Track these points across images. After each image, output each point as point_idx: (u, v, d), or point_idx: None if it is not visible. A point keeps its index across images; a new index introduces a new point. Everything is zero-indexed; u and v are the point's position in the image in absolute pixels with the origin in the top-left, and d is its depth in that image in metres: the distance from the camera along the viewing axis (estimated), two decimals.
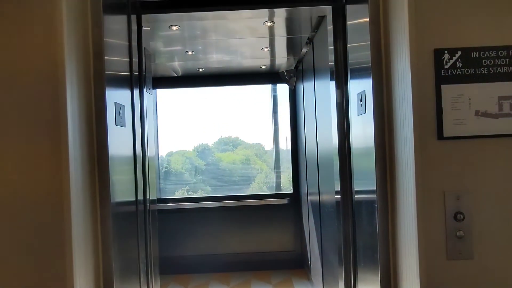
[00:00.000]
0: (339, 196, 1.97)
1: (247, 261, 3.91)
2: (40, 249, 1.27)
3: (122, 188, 1.64)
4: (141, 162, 1.86)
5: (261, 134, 4.47)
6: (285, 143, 4.28)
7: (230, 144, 4.59)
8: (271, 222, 3.96)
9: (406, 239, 1.35)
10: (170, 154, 4.47)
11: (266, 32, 2.68)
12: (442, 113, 1.30)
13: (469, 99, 1.30)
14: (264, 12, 2.18)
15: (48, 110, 1.27)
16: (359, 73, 1.68)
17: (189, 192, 4.35)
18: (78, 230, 1.32)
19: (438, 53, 1.30)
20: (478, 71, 1.30)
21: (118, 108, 1.58)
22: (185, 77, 3.97)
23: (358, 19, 1.66)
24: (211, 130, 4.46)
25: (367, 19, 1.52)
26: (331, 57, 2.01)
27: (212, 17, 2.22)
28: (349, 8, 1.81)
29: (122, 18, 1.73)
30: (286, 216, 3.98)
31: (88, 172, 1.42)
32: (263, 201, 3.95)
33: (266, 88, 4.31)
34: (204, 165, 4.49)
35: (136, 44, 1.85)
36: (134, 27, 1.83)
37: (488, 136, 1.30)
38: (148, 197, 1.96)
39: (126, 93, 1.72)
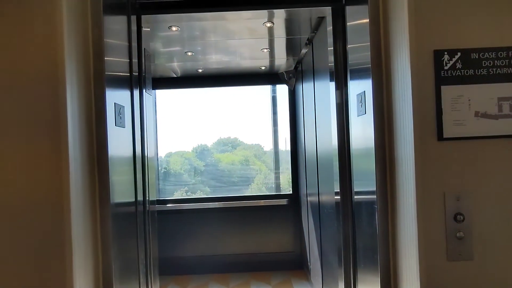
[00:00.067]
0: (339, 197, 1.97)
1: (246, 262, 3.91)
2: (39, 249, 1.27)
3: (121, 189, 1.64)
4: (140, 163, 1.86)
5: (260, 135, 4.47)
6: (284, 144, 4.28)
7: (229, 144, 4.59)
8: (271, 223, 3.96)
9: (406, 240, 1.35)
10: (169, 155, 4.46)
11: (265, 33, 2.68)
12: (442, 114, 1.30)
13: (469, 100, 1.30)
14: (264, 13, 2.18)
15: (48, 111, 1.27)
16: (359, 74, 1.68)
17: (188, 193, 4.35)
18: (78, 231, 1.32)
19: (438, 54, 1.30)
20: (478, 72, 1.31)
21: (118, 108, 1.58)
22: (184, 78, 3.97)
23: (358, 20, 1.66)
24: (210, 130, 4.45)
25: (367, 20, 1.52)
26: (331, 58, 2.01)
27: (212, 17, 2.22)
28: (349, 9, 1.82)
29: (122, 19, 1.73)
30: (286, 217, 3.97)
31: (87, 173, 1.42)
32: (262, 202, 3.95)
33: (266, 89, 4.31)
34: (203, 166, 4.48)
35: (136, 44, 1.85)
36: (134, 27, 1.83)
37: (488, 137, 1.30)
38: (147, 198, 1.96)
39: (126, 93, 1.71)
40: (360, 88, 1.64)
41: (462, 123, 1.30)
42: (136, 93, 1.83)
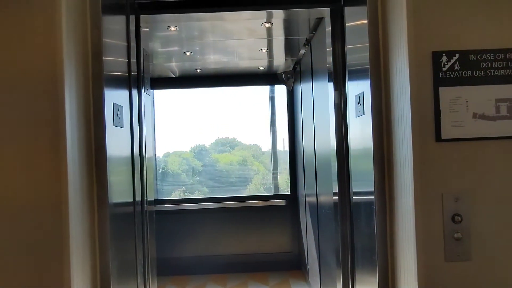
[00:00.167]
0: (337, 198, 1.97)
1: (244, 263, 3.91)
2: (37, 250, 1.27)
3: (119, 189, 1.63)
4: (138, 163, 1.85)
5: (259, 135, 4.47)
6: (283, 144, 4.28)
7: (227, 145, 4.58)
8: (269, 224, 3.96)
9: (404, 240, 1.36)
10: (167, 155, 4.45)
11: (264, 33, 2.68)
12: (440, 115, 1.30)
13: (467, 101, 1.31)
14: (262, 13, 2.18)
15: (47, 110, 1.26)
16: (358, 74, 1.69)
17: (186, 193, 4.34)
18: (76, 231, 1.31)
19: (436, 56, 1.31)
20: (476, 74, 1.31)
21: (117, 108, 1.58)
22: (182, 78, 3.96)
23: (356, 21, 1.67)
24: (208, 131, 4.45)
25: (365, 21, 1.52)
26: (329, 59, 2.01)
27: (210, 18, 2.22)
28: (348, 10, 1.82)
29: (121, 19, 1.72)
30: (284, 217, 3.98)
31: (86, 173, 1.42)
32: (260, 202, 3.95)
33: (264, 89, 4.31)
34: (201, 166, 4.48)
35: (135, 44, 1.85)
36: (132, 27, 1.83)
37: (486, 138, 1.30)
38: (145, 198, 1.96)
39: (124, 93, 1.71)
40: (359, 89, 1.65)
41: (460, 124, 1.30)
42: (135, 93, 1.83)
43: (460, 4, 1.31)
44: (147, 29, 2.25)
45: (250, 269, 3.89)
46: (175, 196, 4.30)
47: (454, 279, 1.30)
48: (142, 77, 1.94)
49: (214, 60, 3.39)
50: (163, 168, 4.36)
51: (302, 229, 3.69)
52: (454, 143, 1.30)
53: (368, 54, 1.51)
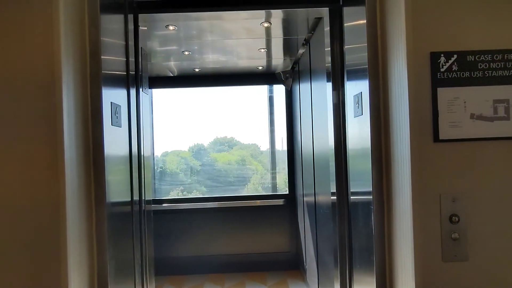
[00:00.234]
0: (335, 197, 1.97)
1: (242, 262, 3.91)
2: (34, 249, 1.26)
3: (117, 189, 1.63)
4: (136, 162, 1.85)
5: (257, 134, 4.47)
6: (281, 144, 4.28)
7: (225, 144, 4.58)
8: (267, 223, 3.96)
9: (401, 240, 1.36)
10: (165, 154, 4.45)
11: (262, 33, 2.68)
12: (438, 115, 1.30)
13: (465, 102, 1.31)
14: (261, 13, 2.18)
15: (44, 110, 1.26)
16: (356, 74, 1.69)
17: (184, 193, 4.34)
18: (73, 231, 1.31)
19: (434, 56, 1.31)
20: (474, 75, 1.32)
21: (114, 108, 1.58)
22: (181, 77, 3.96)
23: (355, 21, 1.67)
24: (206, 130, 4.45)
25: (364, 21, 1.53)
26: (328, 59, 2.01)
27: (209, 17, 2.21)
28: (346, 10, 1.82)
29: (119, 18, 1.72)
30: (282, 217, 3.98)
31: (83, 172, 1.41)
32: (258, 202, 3.95)
33: (263, 89, 4.31)
34: (200, 165, 4.48)
35: (133, 43, 1.85)
36: (131, 26, 1.82)
37: (483, 139, 1.31)
38: (143, 198, 1.95)
39: (122, 93, 1.71)
40: (357, 89, 1.65)
41: (458, 125, 1.30)
42: (133, 92, 1.83)
43: (458, 5, 1.31)
44: (146, 28, 2.25)
45: (248, 269, 3.90)
46: (173, 195, 4.29)
47: (451, 279, 1.30)
48: (140, 76, 1.93)
49: (212, 60, 3.38)
50: (161, 168, 4.36)
51: (300, 229, 3.70)
52: (452, 143, 1.30)
53: (366, 54, 1.51)
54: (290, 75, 3.84)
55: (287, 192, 4.07)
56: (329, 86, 2.01)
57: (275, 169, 4.34)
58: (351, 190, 1.83)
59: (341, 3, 1.88)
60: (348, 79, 1.81)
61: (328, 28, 2.00)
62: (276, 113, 4.28)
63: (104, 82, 1.47)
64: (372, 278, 1.51)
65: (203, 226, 3.92)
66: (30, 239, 1.26)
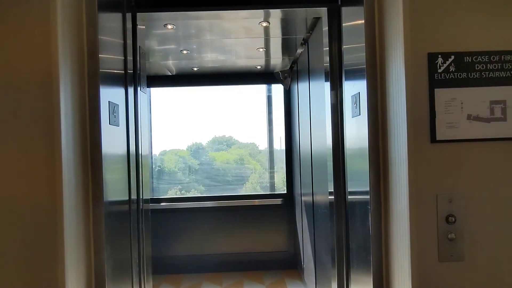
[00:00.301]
0: (333, 197, 1.98)
1: (240, 262, 3.91)
2: (31, 249, 1.26)
3: (115, 187, 1.63)
4: (134, 161, 1.85)
5: (255, 134, 4.47)
6: (279, 143, 4.28)
7: (224, 143, 4.58)
8: (265, 223, 3.96)
9: (398, 240, 1.37)
10: (164, 153, 4.45)
11: (261, 32, 2.68)
12: (435, 116, 1.31)
13: (462, 103, 1.31)
14: (260, 12, 2.18)
15: (42, 109, 1.26)
16: (354, 74, 1.69)
17: (182, 192, 4.34)
18: (71, 231, 1.31)
19: (432, 57, 1.31)
20: (471, 76, 1.32)
21: (112, 107, 1.57)
22: (179, 76, 3.95)
23: (353, 21, 1.67)
24: (205, 129, 4.45)
25: (362, 21, 1.53)
26: (326, 58, 2.01)
27: (208, 16, 2.21)
28: (345, 10, 1.82)
29: (117, 16, 1.72)
30: (280, 217, 3.98)
31: (81, 171, 1.41)
32: (256, 201, 3.95)
33: (261, 88, 4.31)
34: (198, 164, 4.47)
35: (131, 42, 1.84)
36: (129, 25, 1.82)
37: (480, 139, 1.31)
38: (141, 197, 1.95)
39: (120, 91, 1.70)
40: (355, 90, 1.65)
41: (455, 126, 1.31)
42: (131, 91, 1.82)
43: (456, 6, 1.32)
44: (144, 27, 2.24)
45: (246, 268, 3.90)
46: (171, 194, 4.29)
47: (447, 279, 1.31)
48: (139, 75, 1.93)
49: (211, 59, 3.38)
50: (159, 166, 4.35)
51: (298, 228, 3.70)
52: (449, 144, 1.31)
53: (364, 54, 1.51)
54: (289, 75, 3.84)
55: (285, 192, 4.07)
56: (327, 86, 2.01)
57: (273, 169, 4.35)
58: (348, 190, 1.83)
59: (339, 3, 1.89)
60: (346, 79, 1.82)
61: (327, 28, 2.00)
62: (275, 113, 4.28)
63: (102, 81, 1.47)
64: (369, 278, 1.52)
65: (201, 225, 3.92)
66: (27, 239, 1.26)
